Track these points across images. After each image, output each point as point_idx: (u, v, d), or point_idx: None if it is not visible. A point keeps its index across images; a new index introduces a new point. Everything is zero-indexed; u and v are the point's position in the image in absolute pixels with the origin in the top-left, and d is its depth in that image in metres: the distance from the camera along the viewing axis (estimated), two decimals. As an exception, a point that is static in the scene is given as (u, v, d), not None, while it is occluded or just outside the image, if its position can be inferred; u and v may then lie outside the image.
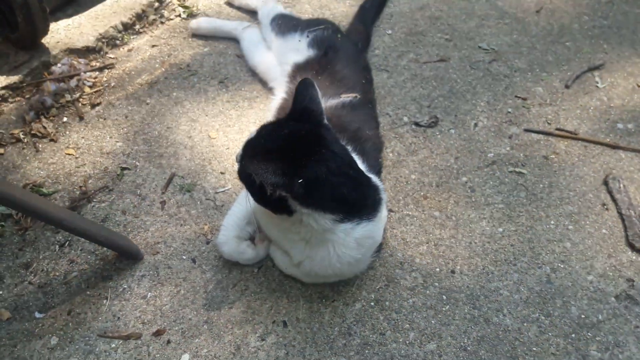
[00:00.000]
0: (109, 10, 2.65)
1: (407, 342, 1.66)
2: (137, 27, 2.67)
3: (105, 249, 1.90)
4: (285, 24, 2.38)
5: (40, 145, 2.20)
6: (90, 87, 2.42)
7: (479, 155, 2.13)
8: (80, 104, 2.35)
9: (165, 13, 2.76)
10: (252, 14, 2.73)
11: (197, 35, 2.65)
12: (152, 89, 2.42)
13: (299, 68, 2.16)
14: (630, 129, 2.18)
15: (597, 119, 2.23)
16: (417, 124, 2.23)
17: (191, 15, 2.76)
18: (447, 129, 2.22)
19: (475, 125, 2.23)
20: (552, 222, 1.92)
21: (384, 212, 1.72)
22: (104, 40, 2.55)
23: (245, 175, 1.51)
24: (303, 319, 1.72)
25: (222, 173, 2.11)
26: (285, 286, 1.80)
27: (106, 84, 2.44)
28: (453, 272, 1.81)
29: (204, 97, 2.39)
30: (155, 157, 2.16)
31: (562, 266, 1.81)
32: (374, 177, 1.70)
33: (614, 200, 1.95)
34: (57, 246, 1.92)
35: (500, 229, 1.91)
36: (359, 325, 1.70)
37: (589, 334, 1.66)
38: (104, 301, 1.77)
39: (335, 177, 1.48)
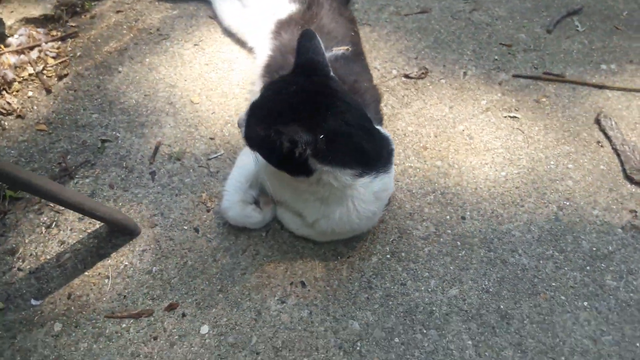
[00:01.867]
0: (63, -24, 2.45)
1: (429, 289, 1.65)
2: (97, -8, 2.48)
3: (97, 226, 1.77)
4: (262, -22, 2.27)
5: (6, 123, 2.01)
6: (54, 58, 2.23)
7: (472, 103, 2.11)
8: (45, 77, 2.16)
9: (126, -24, 2.58)
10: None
11: (163, -2, 2.50)
12: (123, 56, 2.25)
13: (282, 24, 2.06)
14: (614, 69, 2.22)
15: (581, 61, 2.26)
16: (407, 76, 2.19)
17: (154, -22, 2.60)
18: (438, 79, 2.19)
19: (465, 74, 2.22)
20: (552, 163, 1.93)
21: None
22: (62, 7, 2.35)
23: (257, 139, 1.42)
24: (321, 277, 1.67)
25: (211, 139, 2.00)
26: (297, 247, 1.74)
27: (71, 54, 2.26)
28: (463, 218, 1.80)
29: (179, 61, 2.25)
30: (137, 127, 2.02)
31: (567, 204, 1.83)
32: (381, 129, 1.66)
33: (607, 137, 1.98)
34: (43, 228, 1.77)
35: (503, 173, 1.91)
36: (379, 278, 1.67)
37: (602, 265, 1.69)
38: (106, 280, 1.65)
39: (354, 130, 1.42)
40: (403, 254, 1.72)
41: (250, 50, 2.25)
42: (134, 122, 2.04)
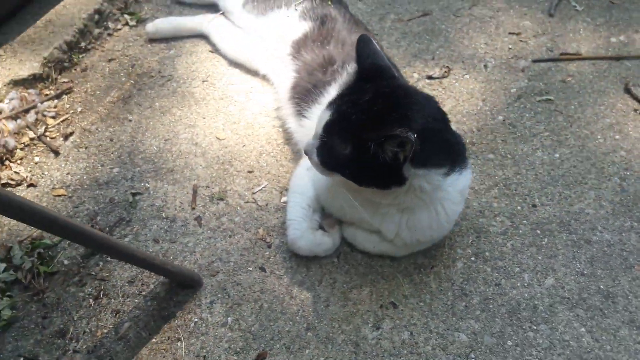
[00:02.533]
0: (44, 32, 2.27)
1: (525, 284, 1.56)
2: (83, 44, 2.31)
3: (151, 287, 1.59)
4: (263, 3, 2.18)
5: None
6: (54, 117, 2.05)
7: (503, 92, 2.08)
8: (48, 139, 1.98)
9: (110, 24, 2.43)
10: (207, 7, 2.48)
11: (155, 39, 2.36)
12: (129, 104, 2.10)
13: (299, 43, 1.98)
14: (623, 40, 2.26)
15: (591, 37, 2.28)
16: (430, 77, 2.14)
17: (140, 21, 2.45)
18: (461, 75, 2.16)
19: (485, 66, 2.19)
20: (600, 137, 1.91)
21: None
22: (50, 64, 2.17)
23: (344, 159, 1.32)
24: (410, 294, 1.55)
25: (250, 172, 1.87)
26: (375, 267, 1.62)
27: (71, 111, 2.08)
28: (534, 205, 1.74)
29: (192, 100, 2.11)
30: (166, 174, 1.87)
31: (628, 173, 1.81)
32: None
33: (642, 103, 2.00)
34: (90, 300, 1.57)
35: (557, 155, 1.87)
36: (470, 283, 1.57)
37: (683, 226, 1.67)
38: (178, 344, 1.47)
39: (439, 124, 1.36)
40: (487, 254, 1.63)
41: (264, 77, 2.14)
42: (161, 169, 1.88)
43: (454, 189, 1.44)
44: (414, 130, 1.23)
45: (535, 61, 2.19)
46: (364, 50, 1.43)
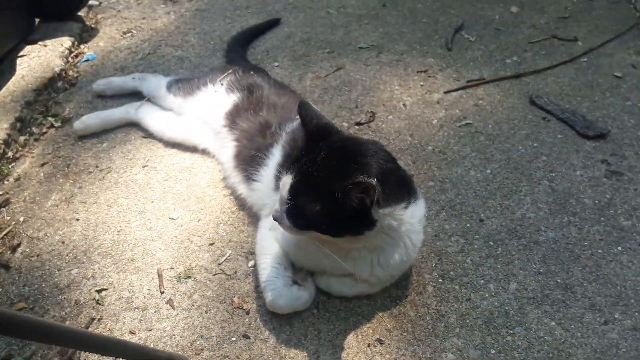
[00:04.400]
0: (-33, 149, 2.22)
1: (493, 293, 1.68)
2: (10, 154, 2.26)
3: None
4: (188, 85, 2.27)
5: (-27, 318, 1.72)
6: (-5, 233, 1.99)
7: (426, 124, 2.26)
8: (-6, 256, 1.91)
9: (35, 129, 2.40)
10: (130, 96, 2.52)
11: (85, 136, 2.35)
12: (72, 203, 2.07)
13: (231, 114, 2.07)
14: (516, 60, 2.53)
15: (488, 62, 2.54)
16: (358, 123, 2.29)
17: (65, 121, 2.44)
18: (385, 117, 2.32)
19: (404, 105, 2.37)
20: (520, 147, 2.12)
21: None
22: (-21, 181, 2.12)
23: (314, 216, 1.39)
24: (392, 327, 1.62)
25: (211, 244, 1.89)
26: (354, 309, 1.68)
27: (13, 222, 2.02)
28: (481, 220, 1.88)
29: (136, 186, 2.12)
30: (127, 264, 1.85)
31: (553, 174, 2.01)
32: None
33: (548, 112, 2.23)
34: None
35: (488, 170, 2.05)
36: (444, 303, 1.66)
37: (610, 211, 1.86)
38: None
39: (391, 164, 1.47)
40: (452, 273, 1.74)
41: (203, 151, 2.20)
42: (120, 260, 1.86)
43: (415, 220, 1.55)
44: (374, 175, 1.33)
45: (446, 92, 2.40)
46: (307, 114, 1.53)
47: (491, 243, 1.81)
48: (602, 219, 1.84)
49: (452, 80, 2.47)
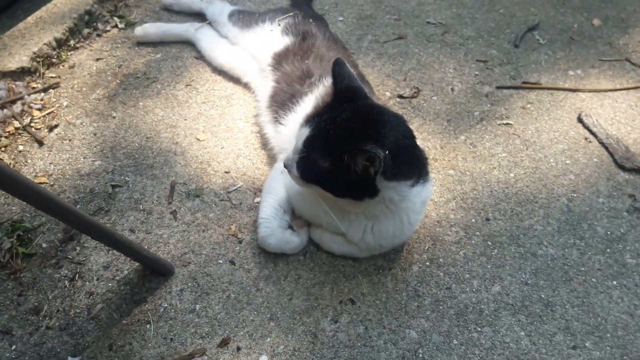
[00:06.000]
0: (34, 28, 2.36)
1: (474, 289, 1.69)
2: (72, 42, 2.41)
3: (125, 272, 1.68)
4: (248, 17, 2.32)
5: (1, 179, 1.88)
6: (40, 110, 2.13)
7: (467, 114, 2.24)
8: (33, 129, 2.06)
9: (100, 26, 2.53)
10: (194, 16, 2.60)
11: (143, 43, 2.46)
12: (114, 102, 2.19)
13: (280, 56, 2.11)
14: (580, 74, 2.44)
15: (551, 69, 2.46)
16: (401, 97, 2.29)
17: (129, 25, 2.56)
18: (430, 96, 2.31)
19: (452, 90, 2.35)
20: (552, 161, 2.08)
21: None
22: (38, 59, 2.26)
23: (322, 172, 1.44)
24: (368, 292, 1.67)
25: (226, 172, 1.98)
26: (338, 266, 1.74)
27: (57, 105, 2.17)
28: (488, 219, 1.88)
29: (174, 102, 2.22)
30: (146, 169, 1.96)
31: (574, 195, 1.97)
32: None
33: (592, 133, 2.16)
34: (66, 281, 1.66)
35: (512, 175, 2.02)
36: (424, 285, 1.70)
37: (619, 246, 1.82)
38: (147, 326, 1.57)
39: (408, 141, 1.49)
40: (441, 260, 1.77)
41: (245, 85, 2.27)
42: (141, 165, 1.97)
43: (418, 199, 1.57)
44: (387, 147, 1.36)
45: (498, 87, 2.36)
46: (340, 73, 1.56)
47: (489, 243, 1.82)
48: (607, 250, 1.80)
49: (507, 78, 2.41)
